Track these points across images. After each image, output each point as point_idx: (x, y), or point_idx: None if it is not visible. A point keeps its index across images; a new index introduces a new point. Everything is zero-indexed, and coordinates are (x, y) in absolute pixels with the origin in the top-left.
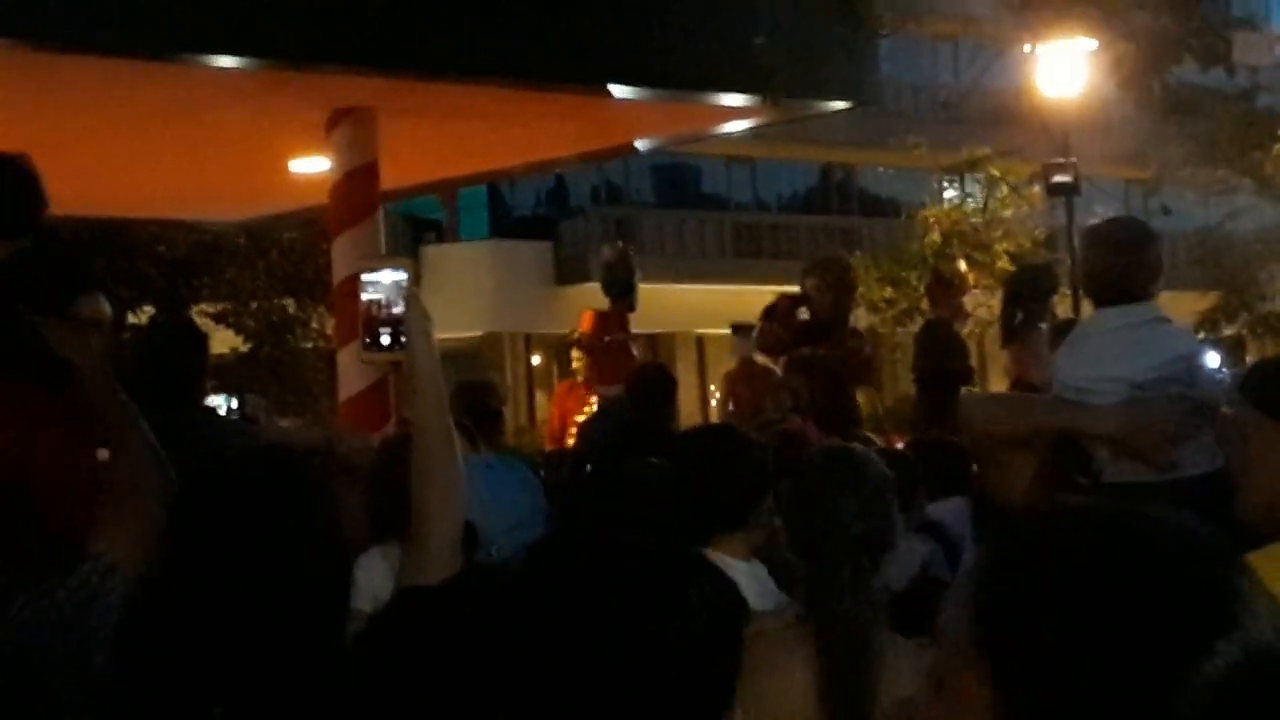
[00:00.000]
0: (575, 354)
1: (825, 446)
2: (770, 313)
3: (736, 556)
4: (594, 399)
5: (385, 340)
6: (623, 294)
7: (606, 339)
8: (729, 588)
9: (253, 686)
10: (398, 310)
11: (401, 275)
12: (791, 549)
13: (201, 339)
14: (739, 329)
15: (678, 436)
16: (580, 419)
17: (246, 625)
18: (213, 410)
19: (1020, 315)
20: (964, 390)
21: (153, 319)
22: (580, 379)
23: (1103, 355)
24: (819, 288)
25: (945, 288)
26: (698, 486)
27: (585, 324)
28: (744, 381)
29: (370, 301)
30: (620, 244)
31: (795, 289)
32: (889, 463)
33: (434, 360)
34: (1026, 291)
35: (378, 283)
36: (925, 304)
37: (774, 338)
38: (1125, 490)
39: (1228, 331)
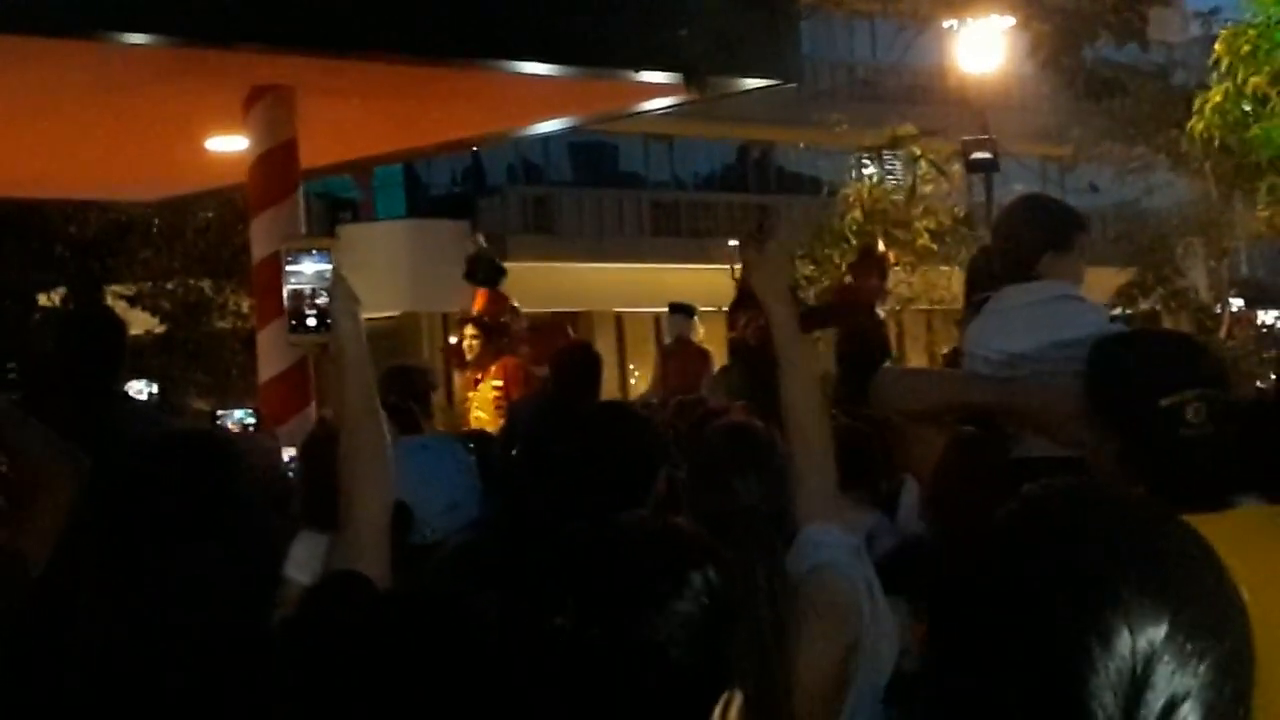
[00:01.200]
0: (469, 330)
1: (726, 423)
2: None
3: None
4: (475, 378)
5: (311, 322)
6: (490, 281)
7: (502, 319)
8: (728, 568)
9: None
10: (323, 292)
11: (326, 257)
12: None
13: (119, 327)
14: (676, 309)
15: (571, 417)
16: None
17: (160, 609)
18: (129, 398)
19: (978, 296)
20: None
21: (69, 309)
22: (470, 357)
23: (1008, 330)
24: (860, 274)
25: (871, 260)
26: (593, 464)
27: (479, 303)
28: (678, 359)
29: (295, 284)
30: (477, 235)
31: (713, 266)
32: (843, 438)
33: (361, 343)
34: (984, 272)
35: (303, 264)
36: (848, 279)
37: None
38: (1034, 464)
39: (1143, 306)
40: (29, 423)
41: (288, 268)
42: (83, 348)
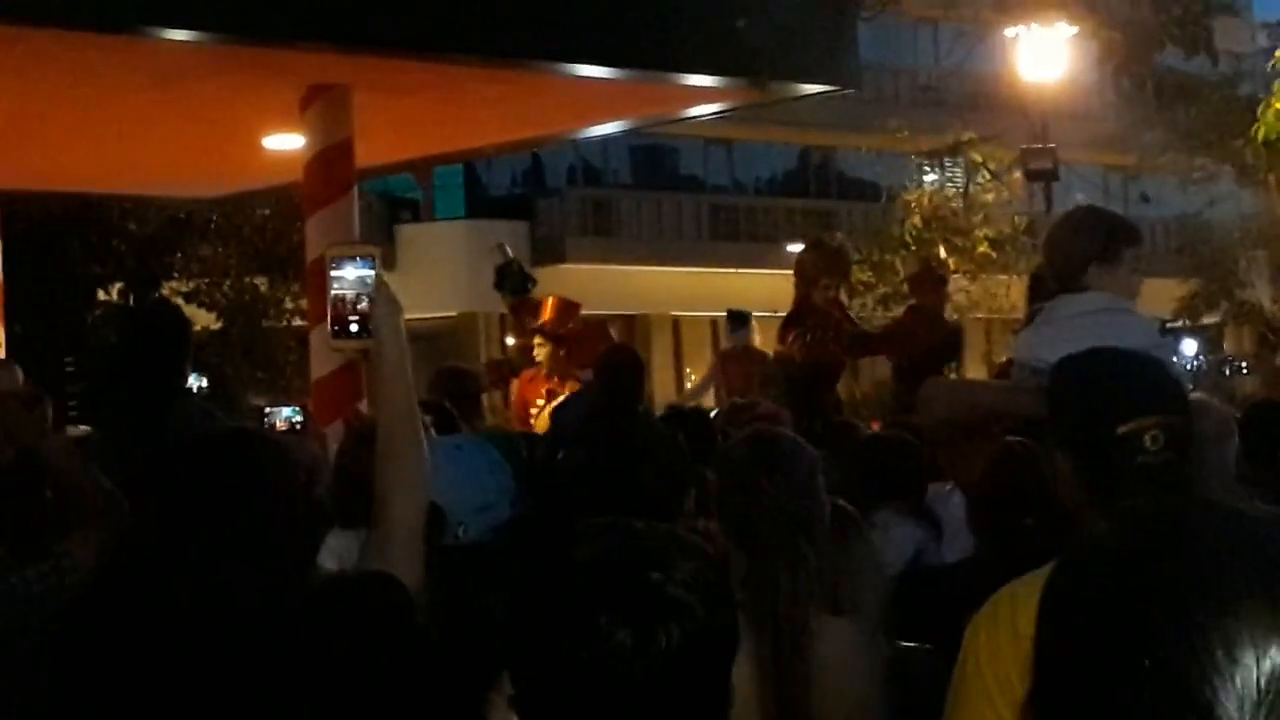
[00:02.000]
0: (538, 341)
1: (750, 431)
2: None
3: None
4: (546, 388)
5: (354, 328)
6: (520, 291)
7: (570, 325)
8: (715, 567)
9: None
10: (366, 298)
11: (370, 263)
12: (727, 535)
13: (184, 323)
14: (734, 316)
15: (597, 432)
16: (535, 409)
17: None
18: (191, 394)
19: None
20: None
21: (135, 304)
22: (543, 369)
23: (1057, 340)
24: (826, 270)
25: (929, 279)
26: (619, 479)
27: (548, 312)
28: (738, 363)
29: (339, 289)
30: (502, 245)
31: (772, 271)
32: (888, 448)
33: (401, 348)
34: (1044, 283)
35: (346, 269)
36: (905, 288)
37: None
38: None
39: (1207, 320)
40: (88, 465)
41: (332, 273)
42: (148, 343)
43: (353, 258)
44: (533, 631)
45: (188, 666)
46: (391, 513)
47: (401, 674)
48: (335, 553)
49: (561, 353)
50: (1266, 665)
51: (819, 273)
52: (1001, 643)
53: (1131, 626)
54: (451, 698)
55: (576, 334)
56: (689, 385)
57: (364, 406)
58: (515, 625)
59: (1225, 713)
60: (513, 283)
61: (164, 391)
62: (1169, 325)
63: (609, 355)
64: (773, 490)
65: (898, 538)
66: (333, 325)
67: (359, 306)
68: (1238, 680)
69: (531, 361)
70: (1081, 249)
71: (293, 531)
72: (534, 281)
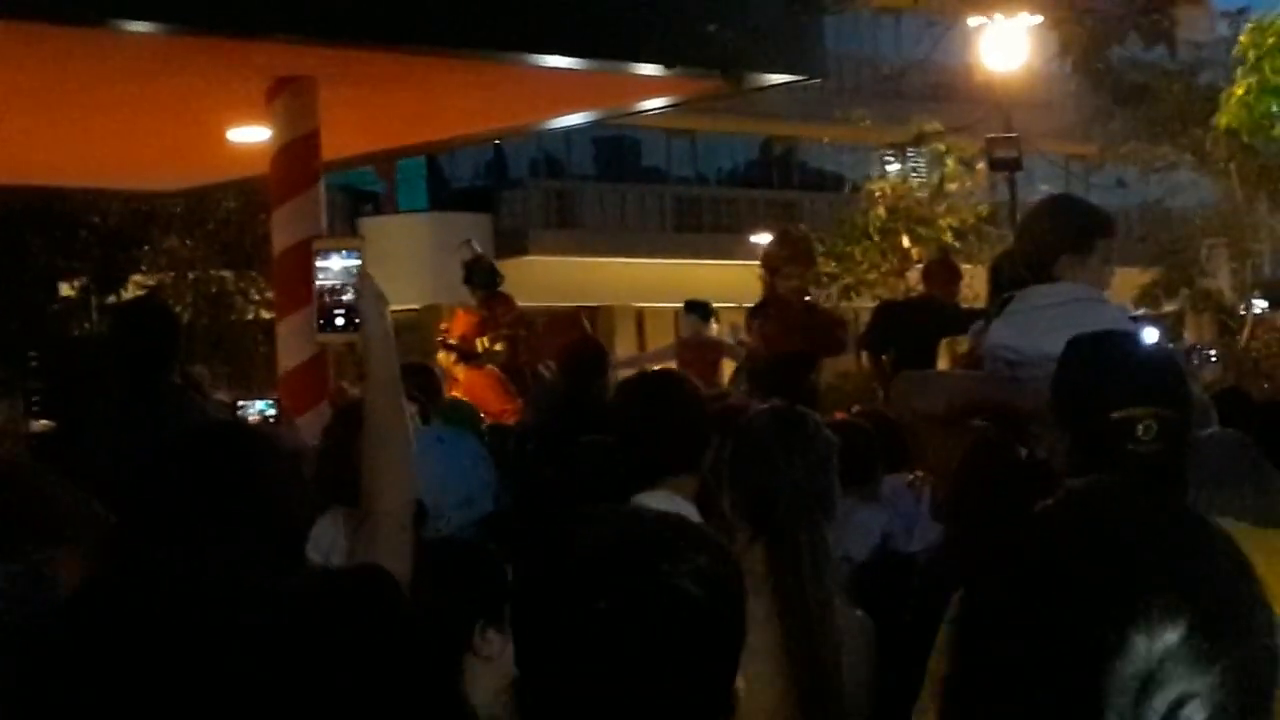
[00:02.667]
0: (441, 355)
1: (772, 409)
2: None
3: (688, 498)
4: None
5: (339, 321)
6: (489, 285)
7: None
8: (726, 557)
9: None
10: (350, 289)
11: (355, 255)
12: (740, 512)
13: (171, 318)
14: (692, 308)
15: (631, 379)
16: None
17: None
18: (182, 388)
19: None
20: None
21: (119, 300)
22: (449, 379)
23: (1029, 331)
24: (789, 259)
25: (944, 271)
26: (649, 426)
27: (458, 326)
28: (693, 352)
29: (324, 282)
30: (470, 241)
31: (735, 262)
32: (848, 434)
33: (389, 341)
34: (1005, 274)
35: (332, 262)
36: (870, 276)
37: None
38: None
39: (1168, 307)
40: (61, 480)
41: (317, 266)
42: (135, 337)
43: (338, 250)
44: (534, 615)
45: (193, 663)
46: (380, 504)
47: (392, 666)
48: (312, 537)
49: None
50: (1158, 648)
51: (781, 262)
52: None
53: (1037, 602)
54: (434, 680)
55: (546, 325)
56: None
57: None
58: (518, 608)
59: (1109, 691)
60: (482, 278)
61: (152, 385)
62: (1133, 314)
63: (570, 347)
64: (792, 466)
65: (863, 523)
66: (318, 318)
67: (343, 298)
68: (1127, 666)
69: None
70: (1054, 239)
71: (288, 523)
72: (501, 276)
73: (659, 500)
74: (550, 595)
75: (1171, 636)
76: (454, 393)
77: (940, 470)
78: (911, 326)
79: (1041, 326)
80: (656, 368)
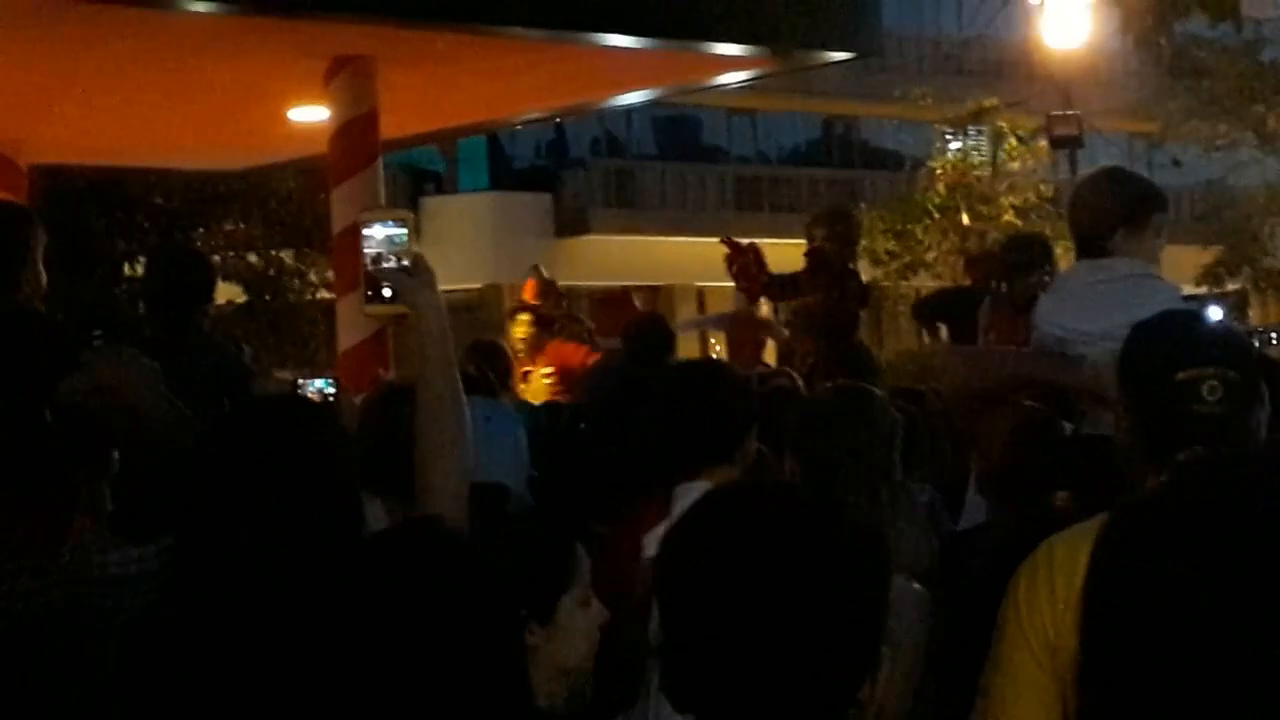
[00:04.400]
0: (524, 318)
1: (840, 384)
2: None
3: None
4: (523, 370)
5: (387, 293)
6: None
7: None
8: (870, 528)
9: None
10: (393, 257)
11: (403, 225)
12: (803, 476)
13: (204, 264)
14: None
15: (670, 369)
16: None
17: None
18: (213, 336)
19: (1001, 282)
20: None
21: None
22: (521, 348)
23: (1080, 307)
24: (828, 238)
25: (983, 264)
26: (690, 417)
27: (529, 291)
28: (742, 328)
29: (372, 255)
30: (537, 266)
31: (797, 241)
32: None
33: (441, 315)
34: (1001, 261)
35: (378, 234)
36: (930, 255)
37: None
38: (1104, 441)
39: (1231, 286)
40: (167, 394)
41: (364, 239)
42: (166, 279)
43: (385, 221)
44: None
45: (289, 638)
46: (435, 482)
47: (471, 622)
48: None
49: (543, 333)
50: None
51: (823, 239)
52: (1040, 601)
53: (1184, 586)
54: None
55: (599, 304)
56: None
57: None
58: (663, 572)
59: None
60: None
61: (182, 326)
62: (1194, 294)
63: (638, 324)
64: (856, 436)
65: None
66: (366, 291)
67: (386, 266)
68: None
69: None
70: (1111, 211)
71: (351, 496)
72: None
73: (700, 491)
74: (703, 566)
75: None
76: (538, 365)
77: (986, 446)
78: (962, 308)
79: (1094, 303)
80: (701, 352)
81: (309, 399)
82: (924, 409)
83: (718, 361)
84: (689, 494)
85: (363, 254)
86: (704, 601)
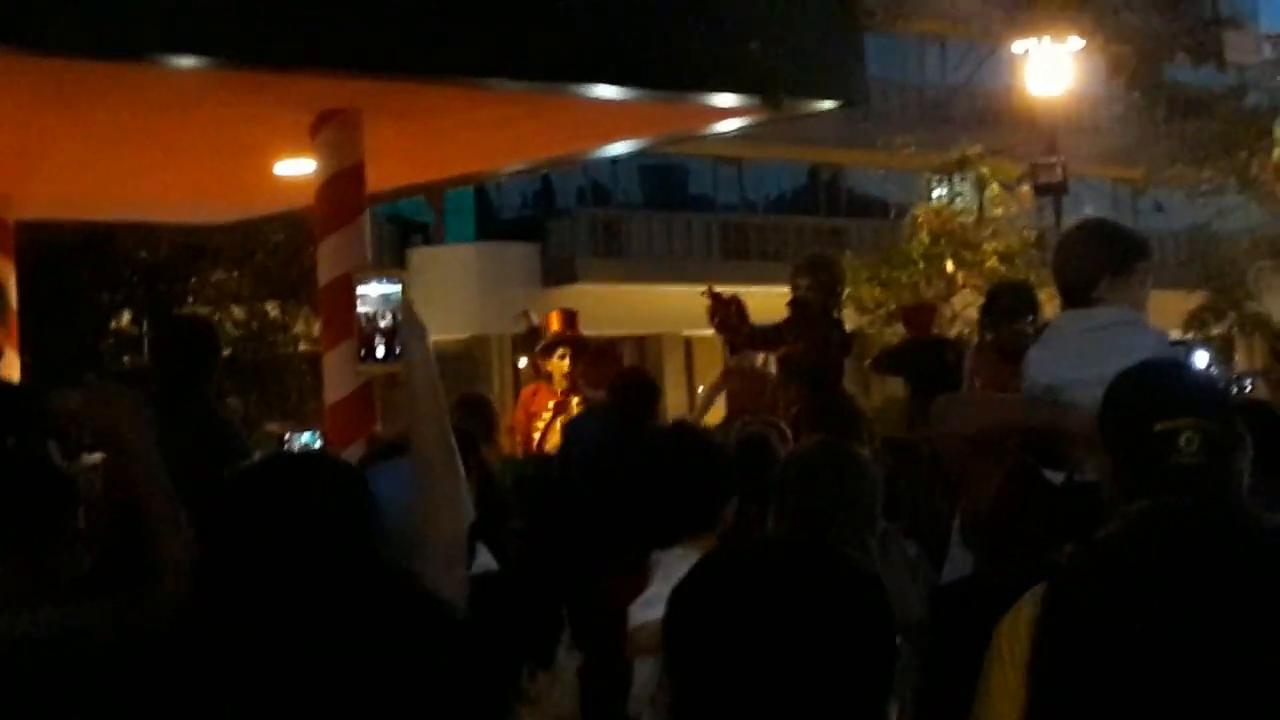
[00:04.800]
0: (561, 352)
1: (822, 440)
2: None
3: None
4: (554, 400)
5: (380, 353)
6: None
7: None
8: (876, 581)
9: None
10: (389, 314)
11: (396, 287)
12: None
13: (210, 334)
14: None
15: (650, 441)
16: (541, 423)
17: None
18: (210, 402)
19: (987, 329)
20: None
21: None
22: (553, 381)
23: (1068, 355)
24: (810, 287)
25: (919, 313)
26: (669, 490)
27: (557, 324)
28: (739, 380)
29: (366, 314)
30: (527, 312)
31: (783, 289)
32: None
33: (431, 372)
34: (987, 308)
35: (373, 295)
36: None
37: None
38: (1097, 488)
39: (1216, 331)
40: (176, 508)
41: (358, 299)
42: (171, 350)
43: (379, 282)
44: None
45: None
46: (431, 533)
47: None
48: None
49: (578, 365)
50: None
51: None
52: (1018, 650)
53: (1124, 634)
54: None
55: (589, 353)
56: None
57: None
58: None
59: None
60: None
61: (187, 397)
62: (1180, 339)
63: (624, 376)
64: (841, 487)
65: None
66: (360, 349)
67: (381, 324)
68: (1237, 684)
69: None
70: (1095, 262)
71: (368, 551)
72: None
73: (683, 557)
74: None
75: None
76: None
77: (975, 495)
78: (919, 360)
79: (1081, 351)
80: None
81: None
82: (912, 459)
83: (697, 432)
84: (672, 560)
85: (357, 313)
86: (721, 661)
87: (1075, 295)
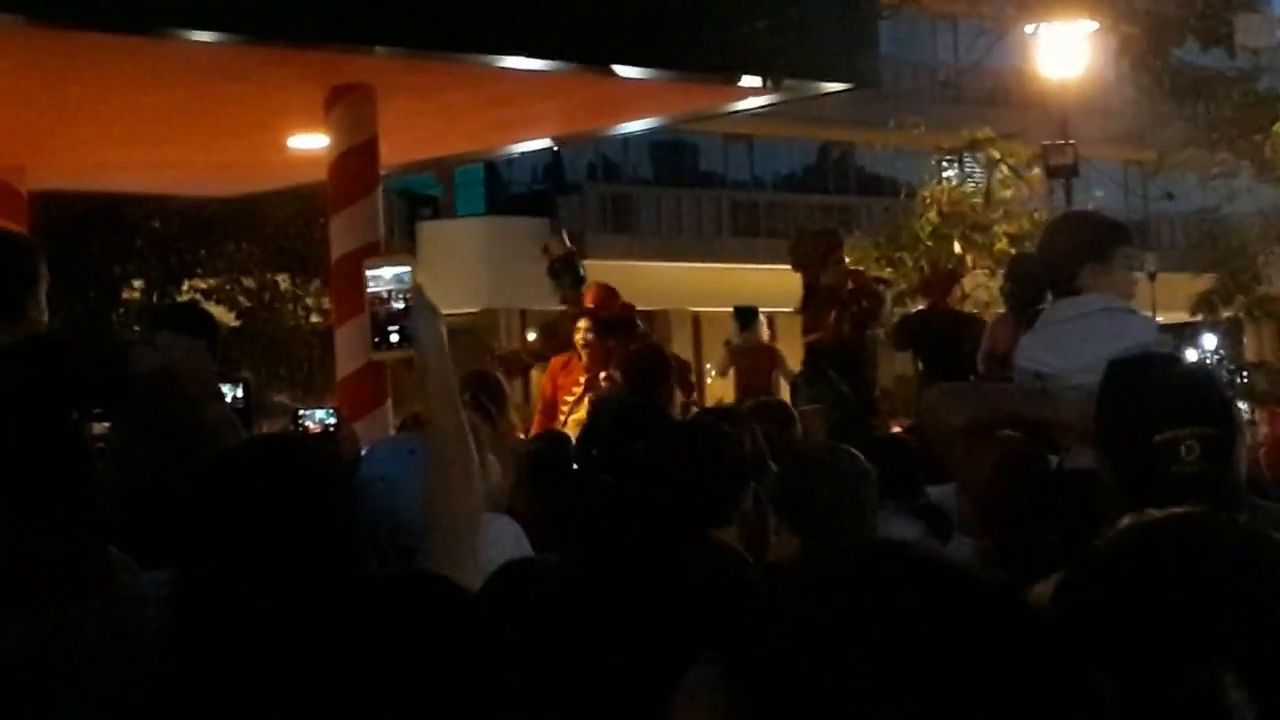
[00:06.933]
0: (585, 326)
1: (821, 443)
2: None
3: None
4: (585, 377)
5: (394, 339)
6: (578, 283)
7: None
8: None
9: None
10: (400, 297)
11: (406, 271)
12: (782, 518)
13: (210, 322)
14: (741, 312)
15: (660, 435)
16: (570, 396)
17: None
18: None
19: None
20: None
21: (164, 305)
22: (582, 357)
23: (1057, 344)
24: (800, 266)
25: (941, 281)
26: (682, 484)
27: (592, 298)
28: (746, 359)
29: (377, 300)
30: (563, 232)
31: (786, 267)
32: (892, 448)
33: (444, 356)
34: (1014, 273)
35: (383, 281)
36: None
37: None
38: (1084, 475)
39: (1225, 314)
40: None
41: (369, 285)
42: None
43: (389, 267)
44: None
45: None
46: (444, 521)
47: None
48: None
49: (610, 343)
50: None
51: (821, 257)
52: None
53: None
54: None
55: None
56: (709, 381)
57: (390, 406)
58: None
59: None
60: (572, 277)
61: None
62: (1179, 322)
63: (635, 354)
64: (836, 475)
65: (897, 534)
66: (373, 337)
67: (393, 306)
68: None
69: (540, 360)
70: (1075, 251)
71: (350, 536)
72: (581, 280)
73: None
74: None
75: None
76: (581, 377)
77: (969, 483)
78: (930, 333)
79: (1071, 340)
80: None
81: (307, 436)
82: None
83: (707, 425)
84: None
85: (368, 300)
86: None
87: (1060, 285)
